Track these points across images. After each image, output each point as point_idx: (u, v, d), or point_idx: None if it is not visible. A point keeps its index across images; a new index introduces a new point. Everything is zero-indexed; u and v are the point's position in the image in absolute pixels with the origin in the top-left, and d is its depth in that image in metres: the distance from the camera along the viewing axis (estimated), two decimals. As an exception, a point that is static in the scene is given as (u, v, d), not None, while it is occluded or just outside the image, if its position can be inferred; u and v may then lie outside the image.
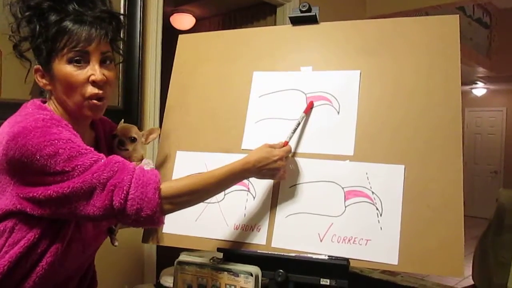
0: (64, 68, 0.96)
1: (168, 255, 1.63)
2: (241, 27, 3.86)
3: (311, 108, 1.20)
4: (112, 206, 0.90)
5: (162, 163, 1.32)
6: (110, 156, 0.95)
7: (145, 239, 1.27)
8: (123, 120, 1.22)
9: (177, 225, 1.21)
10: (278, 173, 1.10)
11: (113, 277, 1.94)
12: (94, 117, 1.05)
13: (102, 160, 0.92)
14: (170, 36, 2.33)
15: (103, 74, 0.98)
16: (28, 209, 0.92)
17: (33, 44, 0.98)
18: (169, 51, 2.21)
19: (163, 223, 0.97)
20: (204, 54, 1.39)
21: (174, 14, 4.27)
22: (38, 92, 1.06)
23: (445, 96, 1.10)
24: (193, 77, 1.37)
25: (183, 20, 4.31)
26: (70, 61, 0.96)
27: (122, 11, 1.99)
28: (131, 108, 2.06)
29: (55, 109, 1.02)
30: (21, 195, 0.92)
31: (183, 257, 1.13)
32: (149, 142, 1.22)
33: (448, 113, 1.09)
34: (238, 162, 1.04)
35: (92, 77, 0.97)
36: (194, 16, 4.36)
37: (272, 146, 1.09)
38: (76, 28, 0.95)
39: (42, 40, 0.95)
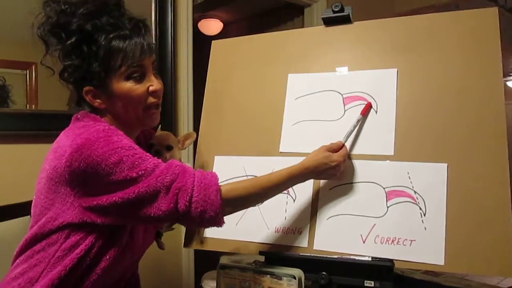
0: (124, 85, 0.99)
1: (205, 260, 1.64)
2: (269, 30, 3.88)
3: (369, 109, 1.17)
4: (177, 209, 0.92)
5: (200, 169, 1.33)
6: (170, 161, 0.98)
7: (187, 244, 1.28)
8: (160, 126, 1.24)
9: (219, 229, 1.22)
10: (335, 176, 1.11)
11: (153, 283, 1.98)
12: (153, 125, 1.09)
13: (163, 164, 0.95)
14: (198, 42, 2.36)
15: (159, 83, 1.04)
16: (90, 219, 0.94)
17: (83, 67, 0.97)
18: (198, 57, 2.23)
19: (224, 223, 0.99)
20: (238, 59, 1.40)
21: (202, 20, 4.31)
22: (75, 103, 1.07)
23: (486, 92, 1.07)
24: (228, 82, 1.38)
25: (211, 26, 4.34)
26: (128, 78, 0.99)
27: (153, 19, 2.03)
28: (165, 115, 2.08)
29: (108, 121, 1.04)
30: (84, 205, 0.94)
31: (225, 260, 1.14)
32: (185, 147, 1.24)
33: (490, 109, 1.06)
34: (296, 167, 1.05)
35: (151, 88, 1.02)
36: (221, 21, 4.39)
37: (330, 150, 1.09)
38: (127, 44, 0.97)
39: (96, 63, 0.96)
